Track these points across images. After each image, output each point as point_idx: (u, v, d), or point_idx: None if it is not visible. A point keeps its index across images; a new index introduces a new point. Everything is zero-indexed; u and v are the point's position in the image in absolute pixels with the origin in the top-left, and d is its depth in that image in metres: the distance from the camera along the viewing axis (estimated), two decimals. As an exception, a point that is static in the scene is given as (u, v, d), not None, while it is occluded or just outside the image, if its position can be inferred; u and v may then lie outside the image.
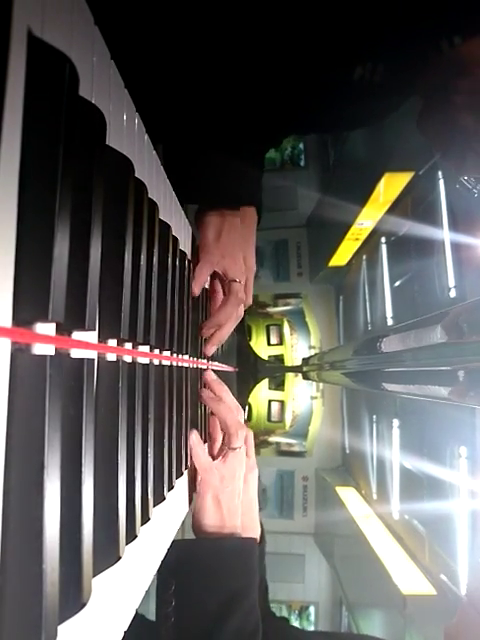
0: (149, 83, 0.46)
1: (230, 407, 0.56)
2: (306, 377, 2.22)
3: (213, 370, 0.63)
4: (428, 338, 0.63)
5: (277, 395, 3.25)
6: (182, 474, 0.48)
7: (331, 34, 0.50)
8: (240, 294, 0.60)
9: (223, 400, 0.57)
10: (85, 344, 0.24)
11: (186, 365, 0.51)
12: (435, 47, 0.47)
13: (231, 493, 0.53)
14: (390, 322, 2.13)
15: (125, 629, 0.30)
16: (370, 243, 2.47)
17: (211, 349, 0.63)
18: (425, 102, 0.52)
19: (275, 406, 3.24)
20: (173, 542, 0.45)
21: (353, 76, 0.53)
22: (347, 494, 2.62)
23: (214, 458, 0.55)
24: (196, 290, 0.56)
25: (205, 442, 0.59)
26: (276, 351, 3.25)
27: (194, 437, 0.52)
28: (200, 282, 0.57)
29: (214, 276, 0.62)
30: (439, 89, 0.48)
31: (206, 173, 0.58)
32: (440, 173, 1.54)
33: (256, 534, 0.64)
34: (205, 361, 0.67)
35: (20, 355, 0.18)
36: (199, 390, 0.57)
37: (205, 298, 0.65)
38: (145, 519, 0.33)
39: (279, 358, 3.22)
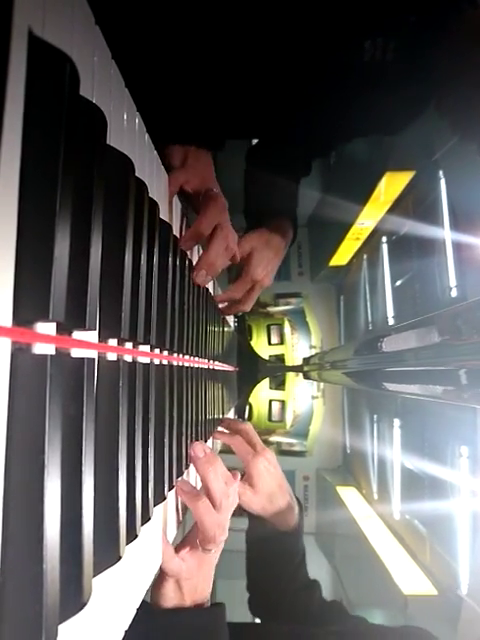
0: (150, 83, 0.46)
1: (208, 505, 0.46)
2: (307, 377, 2.22)
3: (215, 369, 0.62)
4: (429, 338, 0.63)
5: (278, 395, 3.25)
6: (182, 474, 0.47)
7: (336, 5, 0.47)
8: (220, 199, 0.53)
9: (205, 495, 0.47)
10: (85, 344, 0.24)
11: (187, 365, 0.51)
12: (454, 14, 0.44)
13: (196, 581, 0.48)
14: (391, 322, 2.13)
15: (125, 629, 0.30)
16: (371, 242, 2.47)
17: (200, 276, 0.52)
18: (442, 79, 0.48)
19: (276, 406, 3.24)
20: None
21: (363, 56, 0.49)
22: (348, 494, 2.62)
23: (183, 547, 0.48)
24: (170, 196, 0.49)
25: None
26: (277, 351, 3.24)
27: (164, 540, 0.43)
28: (173, 188, 0.49)
29: (190, 199, 0.56)
30: (457, 62, 0.45)
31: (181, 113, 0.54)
32: (441, 172, 1.53)
33: (291, 519, 0.65)
34: (206, 361, 0.67)
35: (20, 355, 0.18)
36: (175, 481, 0.45)
37: (206, 298, 0.65)
38: (145, 519, 0.33)
39: (280, 358, 3.22)
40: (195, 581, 0.48)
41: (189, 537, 0.49)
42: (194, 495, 0.47)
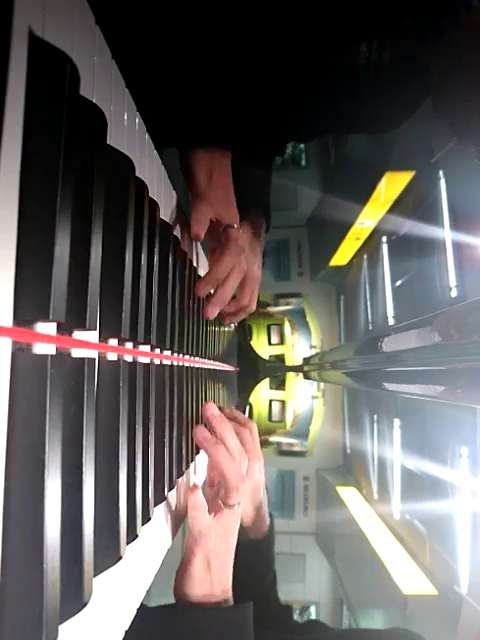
0: (150, 83, 0.46)
1: (231, 455, 0.47)
2: (307, 377, 2.22)
3: (215, 369, 0.62)
4: (429, 338, 0.63)
5: (278, 395, 3.25)
6: (183, 474, 0.47)
7: (331, 6, 0.47)
8: (240, 241, 0.53)
9: (223, 444, 0.47)
10: (86, 343, 0.24)
11: (187, 365, 0.51)
12: (450, 15, 0.44)
13: (224, 554, 0.46)
14: (391, 321, 2.13)
15: (126, 628, 0.30)
16: (371, 242, 2.47)
17: (212, 310, 0.53)
18: (439, 80, 0.48)
19: (276, 406, 3.24)
20: (145, 608, 0.36)
21: (358, 59, 0.49)
22: (348, 494, 2.62)
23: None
24: (200, 232, 0.48)
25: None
26: (277, 351, 3.24)
27: (195, 498, 0.44)
28: (202, 223, 0.49)
29: (209, 228, 0.55)
30: (454, 63, 0.45)
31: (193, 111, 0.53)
32: (441, 172, 1.53)
33: (264, 525, 0.64)
34: (207, 361, 0.67)
35: (21, 355, 0.18)
36: (193, 428, 0.48)
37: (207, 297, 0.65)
38: (146, 519, 0.33)
39: (280, 358, 3.22)
40: (221, 558, 0.46)
41: (210, 499, 0.48)
42: (214, 442, 0.47)
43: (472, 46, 0.43)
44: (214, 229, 0.54)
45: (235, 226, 0.53)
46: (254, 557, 0.63)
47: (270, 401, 3.23)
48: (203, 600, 0.45)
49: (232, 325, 1.34)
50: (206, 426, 0.49)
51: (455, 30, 0.44)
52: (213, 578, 0.45)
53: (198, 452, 0.55)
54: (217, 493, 0.48)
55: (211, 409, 0.49)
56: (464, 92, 0.45)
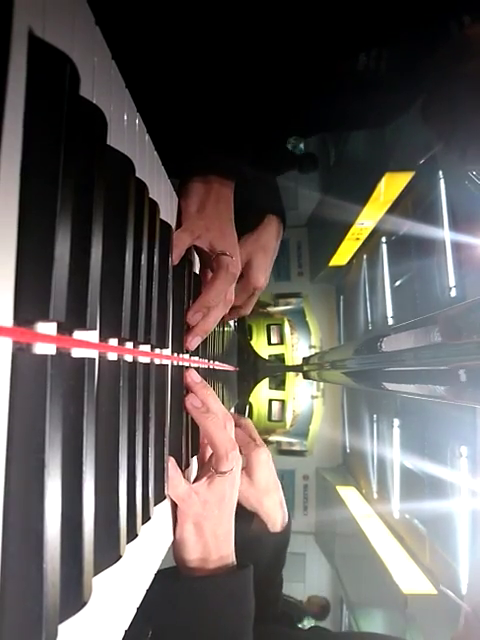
0: (150, 83, 0.46)
1: (219, 421, 0.47)
2: (306, 376, 2.22)
3: (215, 368, 0.62)
4: (428, 338, 0.63)
5: (278, 394, 3.25)
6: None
7: (333, 19, 0.48)
8: (231, 268, 0.52)
9: (210, 411, 0.48)
10: (86, 343, 0.24)
11: (187, 364, 0.51)
12: (444, 30, 0.46)
13: (217, 519, 0.46)
14: (390, 322, 2.14)
15: (125, 628, 0.30)
16: (370, 243, 2.47)
17: (193, 341, 0.51)
18: (429, 89, 0.50)
19: (276, 405, 3.24)
20: (155, 575, 0.38)
21: (357, 66, 0.51)
22: (348, 493, 2.62)
23: (197, 479, 0.48)
24: (175, 258, 0.48)
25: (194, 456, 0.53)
26: (277, 350, 3.25)
27: (171, 466, 0.43)
28: (179, 251, 0.48)
29: (201, 254, 0.55)
30: (443, 74, 0.47)
31: (194, 142, 0.52)
32: (441, 173, 1.53)
33: (281, 519, 0.64)
34: (207, 360, 0.67)
35: (21, 354, 0.18)
36: (184, 397, 0.48)
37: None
38: (146, 518, 0.33)
39: (280, 357, 3.22)
40: (214, 523, 0.45)
41: (202, 469, 0.48)
42: (204, 411, 0.47)
43: (460, 59, 0.45)
44: (207, 256, 0.54)
45: (228, 253, 0.53)
46: (262, 549, 0.63)
47: (270, 401, 3.23)
48: (201, 565, 0.45)
49: (232, 325, 1.34)
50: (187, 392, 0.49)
51: (446, 44, 0.46)
52: (208, 542, 0.45)
53: (198, 451, 0.55)
54: (210, 460, 0.49)
55: (192, 376, 0.49)
56: (451, 100, 0.47)
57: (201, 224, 0.51)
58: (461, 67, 0.45)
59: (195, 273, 0.57)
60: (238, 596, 0.45)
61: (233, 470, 0.48)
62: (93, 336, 0.25)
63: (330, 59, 0.52)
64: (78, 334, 0.23)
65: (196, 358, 0.58)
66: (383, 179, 1.79)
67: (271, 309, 3.43)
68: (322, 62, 0.52)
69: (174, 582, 0.44)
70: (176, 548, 0.45)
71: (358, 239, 2.52)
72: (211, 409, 0.48)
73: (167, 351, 0.41)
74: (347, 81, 0.53)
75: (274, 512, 0.64)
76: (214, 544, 0.45)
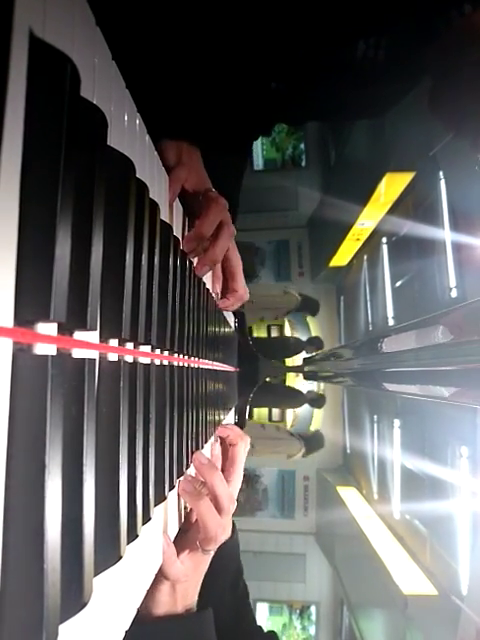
0: (151, 84, 0.46)
1: (210, 505, 0.47)
2: (307, 377, 2.22)
3: (215, 369, 0.62)
4: (429, 338, 0.63)
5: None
6: (183, 474, 0.48)
7: (332, 6, 0.48)
8: (221, 200, 0.54)
9: (213, 493, 0.47)
10: (87, 344, 0.24)
11: (188, 365, 0.51)
12: (444, 17, 0.46)
13: (192, 582, 0.49)
14: (391, 322, 2.14)
15: (126, 629, 0.30)
16: (371, 243, 2.47)
17: (203, 269, 0.53)
18: (435, 78, 0.50)
19: (276, 406, 3.23)
20: None
21: (355, 54, 0.51)
22: (348, 494, 2.62)
23: (182, 549, 0.48)
24: (172, 195, 0.48)
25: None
26: (277, 351, 3.24)
27: (165, 542, 0.42)
28: (175, 187, 0.49)
29: (189, 197, 0.55)
30: (450, 62, 0.46)
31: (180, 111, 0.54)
32: (441, 173, 1.53)
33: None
34: (207, 361, 0.67)
35: (22, 355, 0.18)
36: (175, 480, 0.44)
37: (207, 298, 0.65)
38: (146, 518, 0.33)
39: (280, 358, 3.22)
40: (188, 584, 0.48)
41: (188, 538, 0.49)
42: (197, 495, 0.47)
43: (466, 47, 0.44)
44: (194, 198, 0.55)
45: (213, 189, 0.55)
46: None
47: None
48: (165, 614, 0.47)
49: (232, 325, 1.34)
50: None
51: (450, 32, 0.46)
52: (177, 599, 0.47)
53: (198, 449, 0.55)
54: (196, 533, 0.49)
55: (200, 458, 0.50)
56: (458, 89, 0.46)
57: (185, 168, 0.53)
58: (468, 54, 0.44)
59: (195, 274, 0.57)
60: (197, 636, 0.47)
61: (215, 549, 0.49)
62: (93, 337, 0.25)
63: (329, 47, 0.52)
64: (78, 335, 0.23)
65: (197, 358, 0.58)
66: (383, 179, 1.79)
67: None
68: (321, 50, 0.52)
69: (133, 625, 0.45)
70: (146, 601, 0.46)
71: (358, 239, 2.52)
72: (216, 494, 0.48)
73: (167, 352, 0.41)
74: (346, 70, 0.53)
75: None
76: (182, 602, 0.48)
